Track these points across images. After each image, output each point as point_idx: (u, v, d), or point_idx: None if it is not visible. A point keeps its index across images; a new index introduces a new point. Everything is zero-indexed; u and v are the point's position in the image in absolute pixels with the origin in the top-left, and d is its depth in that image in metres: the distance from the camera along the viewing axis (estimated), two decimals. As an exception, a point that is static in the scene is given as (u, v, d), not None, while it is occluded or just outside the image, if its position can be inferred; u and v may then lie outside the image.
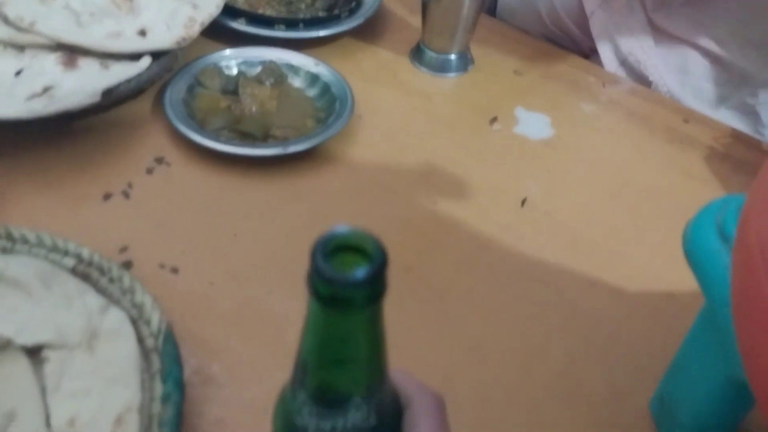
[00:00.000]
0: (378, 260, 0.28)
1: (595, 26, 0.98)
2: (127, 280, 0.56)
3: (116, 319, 0.54)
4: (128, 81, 0.73)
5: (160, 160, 0.74)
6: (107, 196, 0.70)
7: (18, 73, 0.75)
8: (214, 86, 0.83)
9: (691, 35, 0.93)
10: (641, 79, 0.97)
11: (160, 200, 0.70)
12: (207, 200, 0.71)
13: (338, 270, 0.28)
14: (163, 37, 0.79)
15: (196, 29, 0.81)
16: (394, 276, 0.29)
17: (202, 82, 0.82)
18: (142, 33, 0.79)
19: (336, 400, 0.32)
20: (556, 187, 0.78)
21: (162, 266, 0.64)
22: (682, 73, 0.95)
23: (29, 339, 0.51)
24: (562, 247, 0.71)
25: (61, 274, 0.56)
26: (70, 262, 0.57)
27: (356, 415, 0.31)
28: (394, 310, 0.33)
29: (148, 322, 0.54)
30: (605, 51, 0.98)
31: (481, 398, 0.57)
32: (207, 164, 0.74)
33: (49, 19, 0.77)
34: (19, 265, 0.55)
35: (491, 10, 1.09)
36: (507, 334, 0.63)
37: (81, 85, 0.71)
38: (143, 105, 0.80)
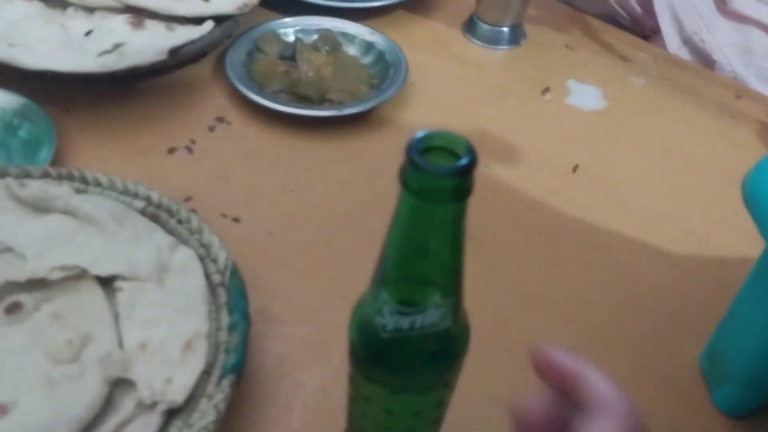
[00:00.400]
0: (468, 157, 0.29)
1: (659, 4, 0.98)
2: (195, 221, 0.58)
3: (185, 256, 0.56)
4: (192, 42, 0.77)
5: (221, 119, 0.77)
6: (171, 150, 0.73)
7: (88, 33, 0.79)
8: (272, 52, 0.85)
9: (757, 14, 0.93)
10: (704, 59, 0.97)
11: (222, 156, 0.73)
12: (266, 158, 0.74)
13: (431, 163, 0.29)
14: (224, 3, 0.82)
15: None
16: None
17: (261, 47, 0.85)
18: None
19: (415, 298, 0.34)
20: (607, 155, 0.79)
21: (224, 215, 0.67)
22: (747, 53, 0.95)
23: (103, 270, 0.54)
24: (612, 211, 0.72)
25: (132, 214, 0.59)
26: (140, 204, 0.60)
27: (434, 313, 0.33)
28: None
29: (215, 260, 0.56)
30: (668, 30, 0.98)
31: (527, 343, 0.58)
32: (266, 124, 0.77)
33: (118, -18, 0.80)
34: (93, 204, 0.58)
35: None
36: (554, 288, 0.64)
37: (149, 44, 0.74)
38: (204, 68, 0.83)
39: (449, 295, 0.34)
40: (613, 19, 1.03)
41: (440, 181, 0.30)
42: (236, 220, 0.67)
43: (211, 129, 0.76)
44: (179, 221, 0.59)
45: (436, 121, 0.79)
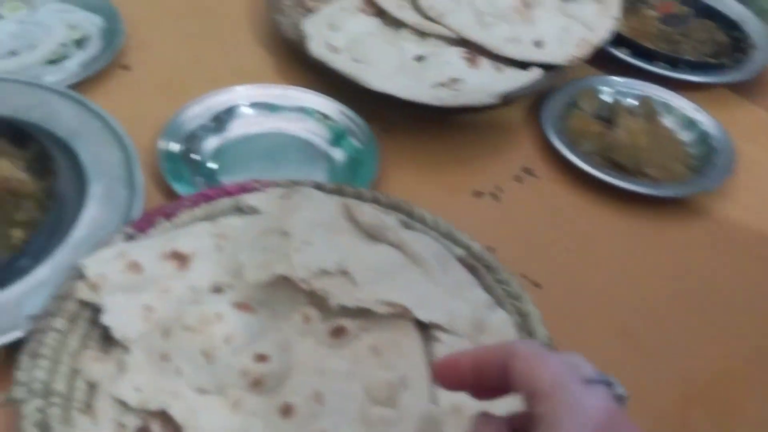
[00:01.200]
0: None
1: None
2: (514, 285, 0.56)
3: (502, 320, 0.54)
4: (522, 88, 0.75)
5: (528, 171, 0.75)
6: (477, 194, 0.72)
7: (419, 58, 0.80)
8: (589, 109, 0.82)
9: None
10: None
11: (527, 210, 0.71)
12: (571, 221, 0.70)
13: None
14: (555, 52, 0.79)
15: (587, 50, 0.80)
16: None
17: (578, 102, 0.82)
18: (538, 44, 0.80)
19: None
20: None
21: (525, 276, 0.64)
22: None
23: (426, 315, 0.53)
24: None
25: (453, 261, 0.58)
26: (459, 251, 0.59)
27: None
28: None
29: (531, 333, 0.54)
30: None
31: None
32: (574, 185, 0.73)
33: (456, 13, 0.80)
34: (421, 243, 0.58)
35: None
36: None
37: (482, 84, 0.74)
38: (516, 111, 0.81)
39: None
40: None
41: None
42: (537, 285, 0.64)
43: (518, 179, 0.74)
44: (498, 280, 0.57)
45: (763, 225, 0.72)
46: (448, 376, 0.35)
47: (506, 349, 0.33)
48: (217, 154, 0.70)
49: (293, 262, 0.53)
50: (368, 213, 0.59)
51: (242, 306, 0.52)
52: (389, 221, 0.59)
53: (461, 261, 0.59)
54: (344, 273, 0.54)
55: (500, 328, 0.54)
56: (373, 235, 0.58)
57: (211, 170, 0.68)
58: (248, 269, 0.54)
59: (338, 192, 0.62)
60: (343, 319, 0.54)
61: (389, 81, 0.71)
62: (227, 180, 0.68)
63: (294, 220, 0.58)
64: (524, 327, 0.54)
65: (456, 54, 0.77)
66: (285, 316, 0.54)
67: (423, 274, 0.56)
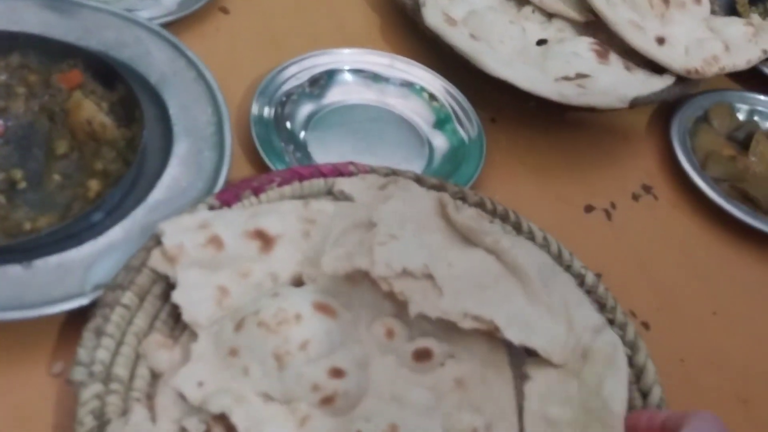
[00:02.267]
0: None
1: None
2: (630, 332, 0.49)
3: (609, 342, 0.47)
4: (654, 94, 0.67)
5: (647, 189, 0.67)
6: (589, 209, 0.64)
7: (540, 42, 0.72)
8: (722, 128, 0.72)
9: None
10: None
11: (642, 236, 0.63)
12: (691, 257, 0.63)
13: None
14: (675, 57, 0.69)
15: (712, 70, 0.70)
16: None
17: (710, 118, 0.73)
18: (660, 41, 0.70)
19: None
20: None
21: (633, 314, 0.57)
22: None
23: (518, 336, 0.46)
24: None
25: (561, 276, 0.51)
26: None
27: None
28: None
29: (641, 372, 0.47)
30: None
31: None
32: (698, 214, 0.65)
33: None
34: (524, 252, 0.51)
35: None
36: None
37: (613, 85, 0.65)
38: (639, 117, 0.73)
39: None
40: None
41: None
42: (645, 325, 0.57)
43: (635, 197, 0.66)
44: (609, 321, 0.51)
45: None
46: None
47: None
48: (310, 122, 0.64)
49: (375, 256, 0.48)
50: (466, 214, 0.53)
51: (324, 308, 0.46)
52: (487, 225, 0.53)
53: (568, 288, 0.52)
54: (429, 277, 0.48)
55: (608, 351, 0.47)
56: (468, 237, 0.52)
57: (302, 141, 0.63)
58: (327, 259, 0.48)
59: (439, 188, 0.55)
60: (429, 340, 0.48)
61: (509, 67, 0.64)
62: (317, 152, 0.62)
63: (384, 210, 0.52)
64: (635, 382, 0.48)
65: (585, 45, 0.69)
66: (367, 326, 0.49)
67: (520, 288, 0.49)
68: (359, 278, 0.48)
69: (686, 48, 0.72)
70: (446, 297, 0.48)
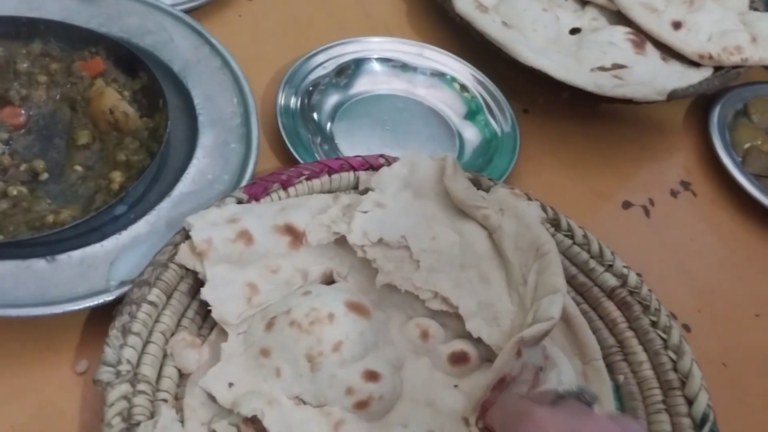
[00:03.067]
0: None
1: None
2: (674, 335, 0.47)
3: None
4: (692, 86, 0.64)
5: (686, 185, 0.65)
6: (627, 205, 0.62)
7: (574, 31, 0.70)
8: (761, 122, 0.70)
9: None
10: None
11: (681, 235, 0.61)
12: (731, 256, 0.60)
13: None
14: (689, 41, 0.67)
15: (732, 59, 0.67)
16: None
17: (749, 112, 0.70)
18: (676, 25, 0.68)
19: None
20: None
21: (672, 316, 0.54)
22: None
23: (477, 330, 0.44)
24: None
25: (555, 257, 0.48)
26: (612, 280, 0.50)
27: None
28: None
29: (690, 403, 0.45)
30: None
31: None
32: (740, 211, 0.63)
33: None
34: (516, 228, 0.49)
35: None
36: None
37: (651, 76, 0.63)
38: (676, 110, 0.71)
39: None
40: None
41: None
42: (686, 327, 0.55)
43: (674, 194, 0.64)
44: (653, 323, 0.48)
45: None
46: None
47: None
48: (337, 112, 0.62)
49: (353, 224, 0.47)
50: (461, 182, 0.50)
51: (357, 307, 0.44)
52: (480, 197, 0.50)
53: (610, 293, 0.50)
54: (406, 249, 0.47)
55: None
56: (462, 209, 0.50)
57: (328, 133, 0.61)
58: (311, 226, 0.47)
59: (473, 182, 0.53)
60: (465, 343, 0.46)
61: (544, 56, 0.61)
62: (344, 143, 0.60)
63: (384, 173, 0.51)
64: (681, 387, 0.46)
65: (620, 34, 0.66)
66: (399, 326, 0.47)
67: (503, 271, 0.48)
68: (338, 243, 0.47)
69: (710, 35, 0.69)
70: (421, 272, 0.46)
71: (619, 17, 0.71)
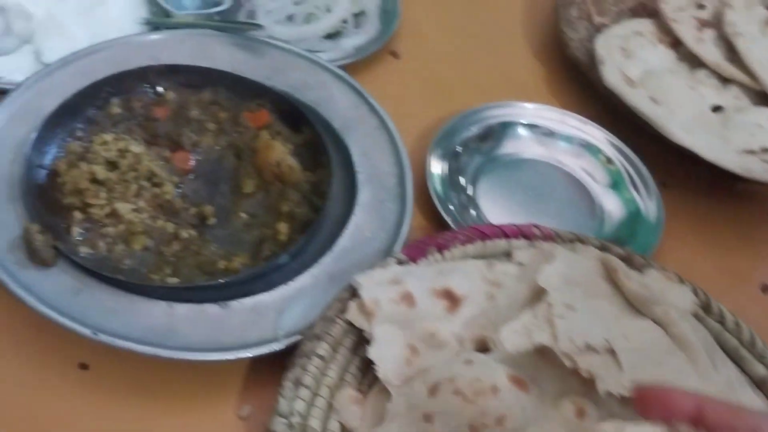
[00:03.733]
0: None
1: None
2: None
3: None
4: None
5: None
6: (765, 289, 0.61)
7: (716, 109, 0.70)
8: None
9: None
10: None
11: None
12: None
13: None
14: None
15: None
16: None
17: None
18: None
19: None
20: None
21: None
22: None
23: None
24: None
25: (720, 353, 0.49)
26: (761, 370, 0.50)
27: None
28: None
29: None
30: None
31: None
32: None
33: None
34: (692, 326, 0.49)
35: None
36: None
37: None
38: None
39: None
40: None
41: None
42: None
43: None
44: (810, 421, 0.48)
45: None
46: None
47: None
48: (479, 175, 0.64)
49: (557, 331, 0.46)
50: (635, 279, 0.51)
51: (518, 381, 0.45)
52: (655, 294, 0.50)
53: (759, 384, 0.49)
54: (611, 352, 0.46)
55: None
56: (636, 306, 0.50)
57: (471, 195, 0.62)
58: (506, 334, 0.47)
59: (627, 260, 0.53)
60: (620, 423, 0.46)
61: (692, 134, 0.62)
62: (486, 206, 0.61)
63: (548, 273, 0.50)
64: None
65: (767, 117, 0.66)
66: (553, 402, 0.47)
67: (689, 364, 0.47)
68: (545, 350, 0.47)
69: None
70: (626, 373, 0.46)
71: (762, 97, 0.70)
